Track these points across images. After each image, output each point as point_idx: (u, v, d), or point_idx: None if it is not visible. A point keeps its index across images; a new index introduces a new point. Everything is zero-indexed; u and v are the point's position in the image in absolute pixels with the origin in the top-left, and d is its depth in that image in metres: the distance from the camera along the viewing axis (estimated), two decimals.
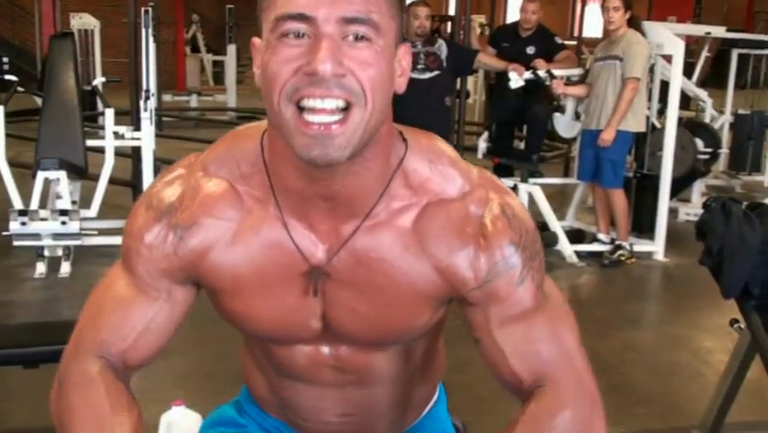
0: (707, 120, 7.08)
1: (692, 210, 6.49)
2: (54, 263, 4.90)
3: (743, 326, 2.59)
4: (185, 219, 1.11)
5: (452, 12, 6.60)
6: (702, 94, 7.16)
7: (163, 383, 3.45)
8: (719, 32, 7.19)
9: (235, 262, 1.11)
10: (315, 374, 1.23)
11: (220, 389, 3.16)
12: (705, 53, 7.64)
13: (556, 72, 5.54)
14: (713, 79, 9.37)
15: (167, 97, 12.47)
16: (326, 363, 1.22)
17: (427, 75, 5.36)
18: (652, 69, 5.86)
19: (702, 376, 3.67)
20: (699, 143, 6.47)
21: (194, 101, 13.06)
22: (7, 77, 6.54)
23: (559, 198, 6.42)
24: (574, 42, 9.36)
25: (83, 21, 10.94)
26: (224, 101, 12.97)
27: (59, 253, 4.92)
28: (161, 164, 5.43)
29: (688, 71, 7.75)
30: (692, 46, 8.65)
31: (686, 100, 7.15)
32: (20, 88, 6.51)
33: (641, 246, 5.60)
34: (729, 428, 2.89)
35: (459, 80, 6.19)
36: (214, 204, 1.11)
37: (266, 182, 1.10)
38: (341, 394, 1.25)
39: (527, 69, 5.47)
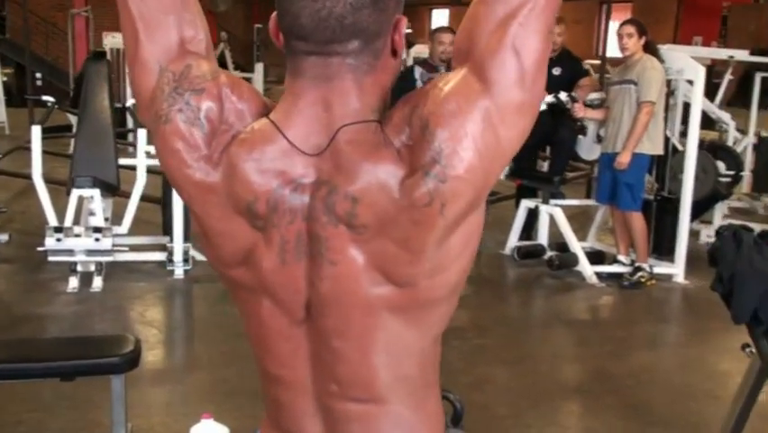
0: (729, 142, 7.08)
1: (714, 232, 6.49)
2: (86, 278, 5.04)
3: (754, 350, 2.66)
4: None
5: None
6: (725, 116, 7.16)
7: (191, 398, 3.57)
8: (742, 55, 7.22)
9: None
10: None
11: (247, 403, 3.28)
12: (728, 76, 7.65)
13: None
14: (739, 99, 9.29)
15: None
16: None
17: None
18: (674, 93, 5.91)
19: (718, 399, 3.70)
20: (721, 166, 6.47)
21: None
22: (45, 97, 6.75)
23: (581, 219, 6.46)
24: (598, 62, 9.41)
25: (116, 40, 11.09)
26: None
27: (92, 268, 5.07)
28: None
29: (711, 93, 7.76)
30: (718, 67, 8.63)
31: (710, 121, 7.13)
32: (55, 107, 6.72)
33: (661, 268, 5.61)
34: None
35: None
36: None
37: None
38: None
39: (549, 92, 5.54)
